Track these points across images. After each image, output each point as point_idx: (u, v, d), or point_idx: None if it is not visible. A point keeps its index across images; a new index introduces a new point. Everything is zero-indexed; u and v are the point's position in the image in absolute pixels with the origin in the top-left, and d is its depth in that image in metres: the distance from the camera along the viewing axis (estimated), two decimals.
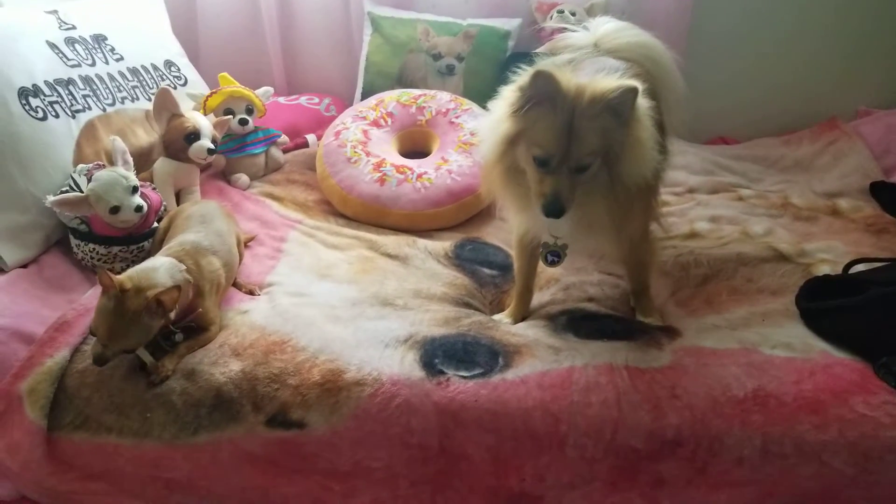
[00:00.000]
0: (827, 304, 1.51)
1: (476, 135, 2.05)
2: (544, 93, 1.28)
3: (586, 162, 1.31)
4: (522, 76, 1.33)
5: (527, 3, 2.50)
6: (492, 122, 1.40)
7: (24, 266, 1.68)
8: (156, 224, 1.71)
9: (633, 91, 1.26)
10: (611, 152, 1.31)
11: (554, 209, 1.31)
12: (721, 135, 2.62)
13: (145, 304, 1.29)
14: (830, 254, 1.79)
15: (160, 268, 1.37)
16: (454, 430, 1.32)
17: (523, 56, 1.38)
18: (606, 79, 1.31)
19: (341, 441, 1.33)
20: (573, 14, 2.33)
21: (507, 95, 1.37)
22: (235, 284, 1.65)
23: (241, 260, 1.70)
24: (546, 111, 1.29)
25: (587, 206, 1.36)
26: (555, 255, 1.52)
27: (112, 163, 1.68)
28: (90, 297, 1.55)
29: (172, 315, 1.36)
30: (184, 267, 1.41)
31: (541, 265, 1.61)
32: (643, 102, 1.31)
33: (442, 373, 1.36)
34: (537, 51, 1.59)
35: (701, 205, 2.10)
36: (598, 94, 1.26)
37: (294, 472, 1.36)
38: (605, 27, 1.63)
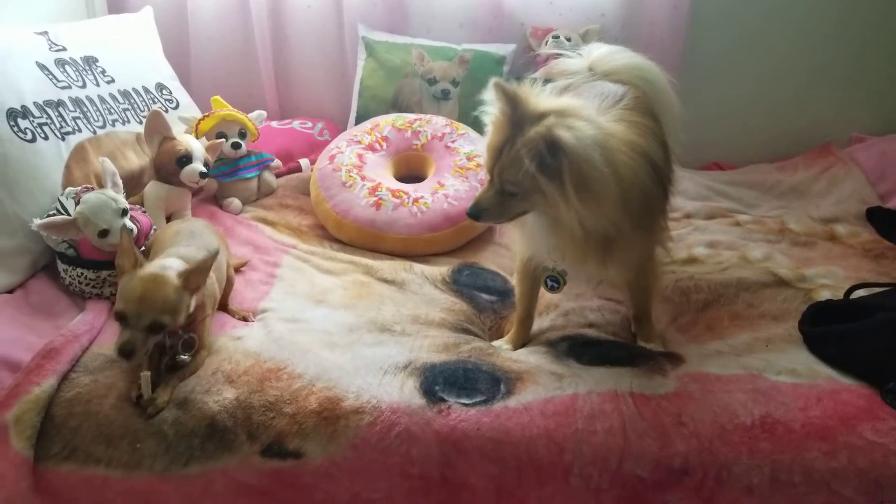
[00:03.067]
0: (831, 329, 1.49)
1: (473, 159, 2.04)
2: (502, 107, 1.29)
3: (508, 189, 1.31)
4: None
5: (522, 28, 2.51)
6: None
7: (10, 291, 1.64)
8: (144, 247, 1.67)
9: (548, 144, 1.21)
10: (542, 195, 1.27)
11: (470, 212, 1.37)
12: (715, 160, 2.62)
13: (182, 277, 1.30)
14: (830, 279, 1.78)
15: (171, 267, 1.33)
16: (456, 460, 1.28)
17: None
18: (567, 121, 1.25)
19: (339, 471, 1.29)
20: (568, 39, 2.35)
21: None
22: (228, 311, 1.62)
23: (232, 285, 1.67)
24: (497, 126, 1.31)
25: (564, 235, 1.33)
26: (554, 281, 1.51)
27: (101, 186, 1.64)
28: (78, 324, 1.51)
29: (192, 305, 1.34)
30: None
31: (541, 290, 1.58)
32: (596, 172, 1.23)
33: (443, 400, 1.33)
34: (533, 76, 1.57)
35: (698, 230, 2.10)
36: (531, 134, 1.24)
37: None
38: (599, 51, 1.64)
